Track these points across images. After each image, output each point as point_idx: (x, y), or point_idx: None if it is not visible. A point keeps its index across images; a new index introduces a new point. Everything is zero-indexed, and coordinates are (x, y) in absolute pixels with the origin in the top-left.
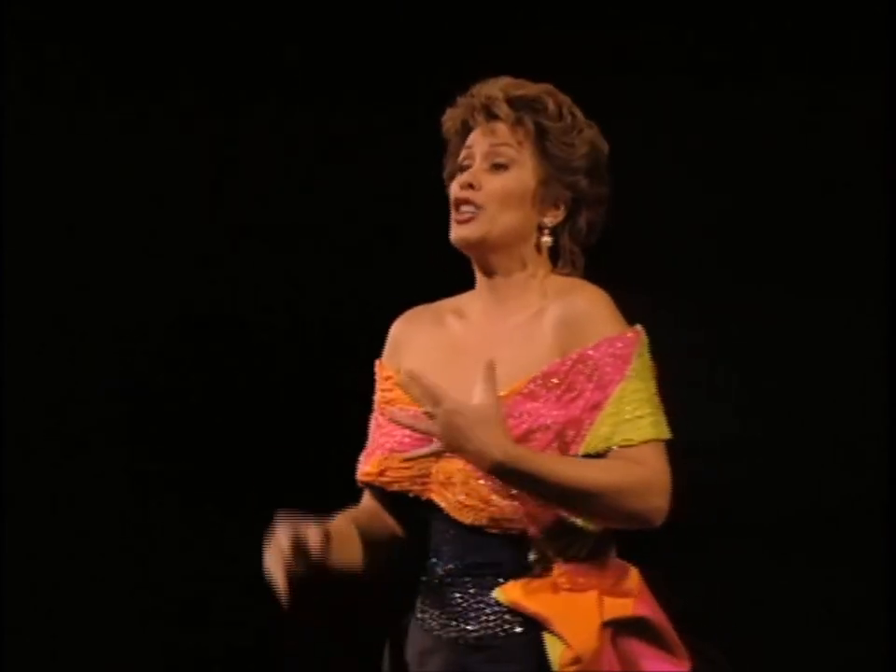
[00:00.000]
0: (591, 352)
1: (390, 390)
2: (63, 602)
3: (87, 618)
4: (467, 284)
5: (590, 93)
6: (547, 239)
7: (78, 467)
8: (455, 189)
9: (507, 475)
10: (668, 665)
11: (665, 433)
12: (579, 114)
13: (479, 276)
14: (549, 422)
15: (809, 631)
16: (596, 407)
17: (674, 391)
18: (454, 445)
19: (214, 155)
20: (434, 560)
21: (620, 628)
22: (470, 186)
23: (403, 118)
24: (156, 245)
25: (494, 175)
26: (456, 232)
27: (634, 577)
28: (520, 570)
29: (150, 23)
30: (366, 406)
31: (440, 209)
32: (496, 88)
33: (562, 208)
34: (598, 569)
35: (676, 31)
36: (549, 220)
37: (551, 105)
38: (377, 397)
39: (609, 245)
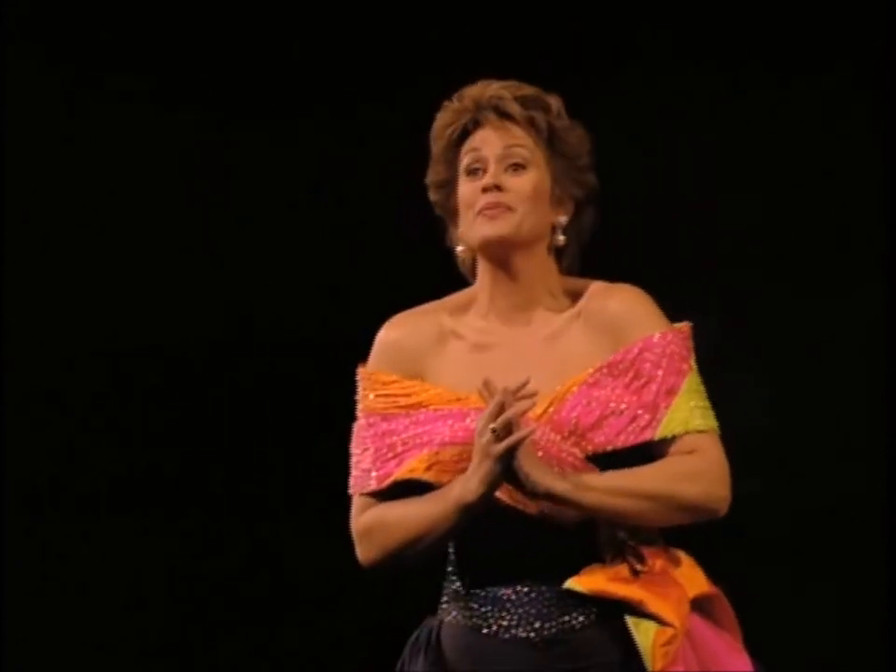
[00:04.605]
0: (657, 339)
1: (416, 393)
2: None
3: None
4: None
5: (586, 90)
6: (562, 238)
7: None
8: (472, 195)
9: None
10: (732, 642)
11: (717, 427)
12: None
13: (489, 278)
14: (622, 407)
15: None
16: (671, 392)
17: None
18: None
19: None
20: (472, 559)
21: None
22: (497, 188)
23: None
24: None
25: (515, 177)
26: (484, 231)
27: (687, 558)
28: (582, 560)
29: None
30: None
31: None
32: (498, 87)
33: (571, 207)
34: (662, 551)
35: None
36: (563, 219)
37: (553, 105)
38: (369, 403)
39: (610, 247)
